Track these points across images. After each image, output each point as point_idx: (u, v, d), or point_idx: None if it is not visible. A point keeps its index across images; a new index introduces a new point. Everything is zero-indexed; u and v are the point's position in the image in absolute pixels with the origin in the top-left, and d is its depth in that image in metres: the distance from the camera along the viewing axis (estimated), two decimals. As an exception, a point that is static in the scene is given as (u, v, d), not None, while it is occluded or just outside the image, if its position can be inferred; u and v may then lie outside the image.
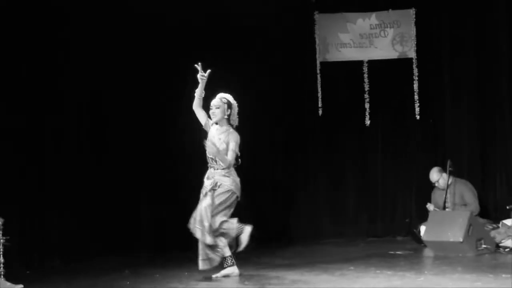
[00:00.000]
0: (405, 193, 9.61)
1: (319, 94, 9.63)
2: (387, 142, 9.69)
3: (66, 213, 7.99)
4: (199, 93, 6.70)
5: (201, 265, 6.64)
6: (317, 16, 9.72)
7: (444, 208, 8.29)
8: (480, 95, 9.27)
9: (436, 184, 8.54)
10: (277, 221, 9.54)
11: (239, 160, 6.77)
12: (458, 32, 9.35)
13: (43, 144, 7.98)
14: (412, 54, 9.50)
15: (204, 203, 6.56)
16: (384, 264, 7.04)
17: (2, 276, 6.51)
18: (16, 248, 6.89)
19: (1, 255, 6.57)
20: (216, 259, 6.61)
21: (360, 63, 9.69)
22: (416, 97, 9.43)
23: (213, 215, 6.54)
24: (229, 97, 6.77)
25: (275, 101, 9.54)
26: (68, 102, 8.23)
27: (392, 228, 9.52)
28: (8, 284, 6.38)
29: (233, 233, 6.63)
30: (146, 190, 8.73)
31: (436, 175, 8.52)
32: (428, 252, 7.88)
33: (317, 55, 9.72)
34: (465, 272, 6.39)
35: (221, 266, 6.64)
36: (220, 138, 6.66)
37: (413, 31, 9.49)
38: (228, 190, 6.62)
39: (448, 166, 8.32)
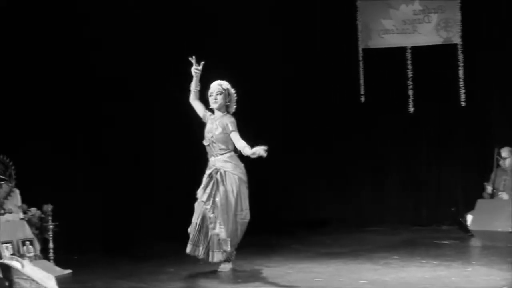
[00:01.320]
0: (450, 181, 9.50)
1: (362, 81, 9.57)
2: (431, 129, 9.59)
3: (112, 199, 8.10)
4: (194, 86, 6.56)
5: (190, 249, 6.42)
6: (359, 2, 9.66)
7: (492, 194, 8.18)
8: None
9: (501, 163, 8.39)
10: (320, 209, 9.53)
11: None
12: (505, 17, 9.15)
13: (93, 132, 8.11)
14: (457, 39, 9.37)
15: (217, 198, 6.37)
16: (430, 254, 7.00)
17: (51, 261, 6.63)
18: (65, 233, 6.98)
19: (51, 241, 6.70)
20: (208, 251, 6.37)
21: (403, 49, 9.59)
22: (461, 83, 9.30)
23: (233, 212, 6.38)
24: (227, 84, 6.60)
25: (317, 88, 9.50)
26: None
27: (437, 217, 9.42)
28: (58, 269, 6.48)
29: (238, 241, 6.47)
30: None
31: (506, 153, 8.37)
32: (475, 242, 7.78)
33: (359, 42, 9.66)
34: (515, 262, 6.31)
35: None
36: (217, 124, 6.49)
37: (458, 16, 9.34)
38: (235, 180, 6.40)
39: (495, 154, 8.21)
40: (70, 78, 8.03)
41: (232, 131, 6.40)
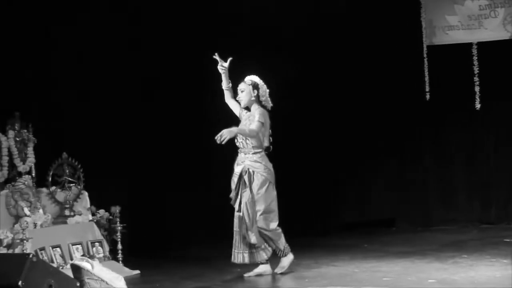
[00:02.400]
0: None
1: (426, 79, 9.43)
2: (499, 126, 9.38)
3: (179, 200, 8.21)
4: (225, 85, 6.49)
5: (234, 257, 6.42)
6: (423, -1, 9.53)
7: None
8: None
9: None
10: (386, 208, 9.45)
11: (271, 147, 6.50)
12: None
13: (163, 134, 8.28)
14: (525, 34, 9.16)
15: (244, 199, 6.32)
16: (499, 252, 6.84)
17: (120, 262, 6.76)
18: (134, 235, 7.11)
19: (120, 242, 6.83)
20: (253, 256, 6.38)
21: (468, 45, 9.40)
22: (530, 79, 9.10)
23: (260, 214, 6.32)
24: (254, 78, 6.49)
25: (382, 86, 9.42)
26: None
27: (507, 215, 9.23)
28: (127, 269, 6.61)
29: (279, 245, 6.41)
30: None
31: None
32: (546, 239, 7.62)
33: (424, 39, 9.51)
34: None
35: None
36: (250, 120, 6.43)
37: (525, 10, 9.14)
38: (264, 181, 6.35)
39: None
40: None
41: (256, 120, 6.32)
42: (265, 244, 6.39)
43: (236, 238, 6.39)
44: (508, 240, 7.77)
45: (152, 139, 8.22)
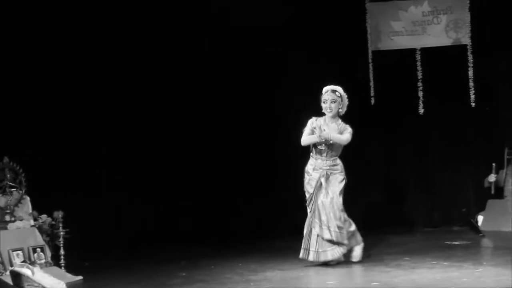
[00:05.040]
0: (461, 182, 9.46)
1: (372, 84, 9.54)
2: (442, 131, 9.55)
3: (123, 204, 8.13)
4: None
5: (302, 254, 6.74)
6: (368, 4, 9.63)
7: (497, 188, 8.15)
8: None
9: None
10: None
11: None
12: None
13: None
14: (466, 40, 9.32)
15: (324, 199, 6.66)
16: (441, 255, 6.97)
17: (63, 268, 6.66)
18: (76, 240, 7.01)
19: (62, 247, 6.72)
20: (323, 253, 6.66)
21: (413, 51, 9.56)
22: (471, 84, 9.26)
23: (337, 211, 6.66)
24: (340, 89, 6.87)
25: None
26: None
27: (449, 218, 9.40)
28: (69, 275, 6.51)
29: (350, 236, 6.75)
30: (206, 183, 8.83)
31: None
32: (486, 242, 7.76)
33: (369, 44, 9.63)
34: (526, 262, 6.27)
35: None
36: (332, 129, 6.77)
37: (467, 17, 9.30)
38: (342, 180, 6.77)
39: (505, 155, 8.18)
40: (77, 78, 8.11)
41: (348, 132, 6.77)
42: (343, 241, 6.65)
43: (310, 237, 6.69)
44: (449, 242, 7.93)
45: (93, 143, 8.09)
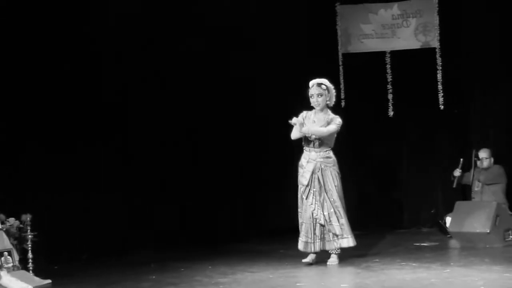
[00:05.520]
0: (430, 184, 9.56)
1: (342, 86, 9.59)
2: (411, 133, 9.66)
3: (93, 207, 8.06)
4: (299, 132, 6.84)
5: (302, 246, 6.86)
6: (338, 7, 9.70)
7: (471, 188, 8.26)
8: (505, 84, 9.14)
9: (478, 163, 8.41)
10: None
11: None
12: (482, 20, 9.23)
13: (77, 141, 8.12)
14: (435, 43, 9.42)
15: (324, 194, 6.76)
16: (410, 256, 7.04)
17: (30, 271, 6.59)
18: (45, 243, 6.94)
19: (30, 251, 6.65)
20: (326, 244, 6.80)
21: (382, 54, 9.65)
22: (440, 87, 9.36)
23: (335, 205, 6.78)
24: (326, 82, 6.89)
25: (297, 94, 9.49)
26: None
27: (418, 220, 9.49)
28: (37, 279, 6.44)
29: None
30: (176, 186, 8.81)
31: (483, 154, 8.42)
32: (454, 244, 7.84)
33: (339, 47, 9.70)
34: (493, 263, 6.35)
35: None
36: (320, 120, 6.82)
37: (436, 20, 9.40)
38: (336, 175, 6.84)
39: (473, 156, 8.27)
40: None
41: (334, 123, 6.80)
42: (338, 233, 6.77)
43: (308, 229, 6.80)
44: (418, 244, 8.00)
45: (61, 144, 8.00)
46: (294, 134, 6.87)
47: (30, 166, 7.60)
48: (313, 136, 6.79)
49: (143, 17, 8.47)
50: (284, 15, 9.28)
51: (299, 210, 6.95)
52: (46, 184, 7.68)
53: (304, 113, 6.95)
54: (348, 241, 6.80)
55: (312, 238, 6.81)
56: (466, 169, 8.50)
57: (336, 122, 6.85)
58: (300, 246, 6.90)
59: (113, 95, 8.33)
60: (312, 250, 6.84)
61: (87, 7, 8.08)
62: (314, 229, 6.81)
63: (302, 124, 6.79)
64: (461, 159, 8.46)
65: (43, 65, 7.77)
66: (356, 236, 6.96)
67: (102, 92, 8.26)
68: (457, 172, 8.42)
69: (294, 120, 6.76)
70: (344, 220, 6.80)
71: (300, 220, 6.92)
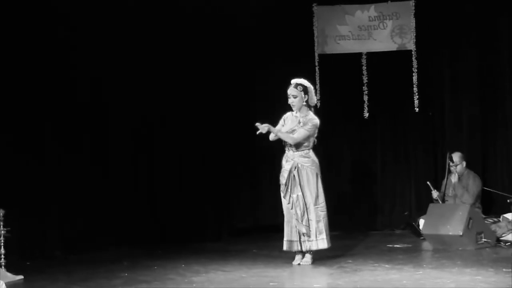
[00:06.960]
0: (404, 186, 9.61)
1: (318, 87, 9.59)
2: (385, 135, 9.69)
3: (66, 204, 8.00)
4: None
5: (286, 246, 6.86)
6: (315, 8, 9.69)
7: (443, 200, 8.32)
8: (481, 87, 9.23)
9: (452, 168, 8.48)
10: (279, 213, 9.52)
11: (315, 140, 6.98)
12: (458, 23, 9.31)
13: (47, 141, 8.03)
14: (411, 46, 9.47)
15: (294, 193, 6.77)
16: (383, 258, 7.09)
17: (3, 267, 6.52)
18: (17, 239, 6.88)
19: (2, 246, 6.58)
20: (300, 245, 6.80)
21: (358, 55, 9.66)
22: (415, 89, 9.40)
23: (312, 205, 6.77)
24: (303, 81, 6.89)
25: (273, 94, 9.51)
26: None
27: (391, 221, 9.53)
28: (9, 275, 6.39)
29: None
30: (149, 182, 8.77)
31: (457, 159, 8.48)
32: (427, 246, 7.90)
33: (316, 48, 9.70)
34: (465, 266, 6.42)
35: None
36: (299, 121, 6.83)
37: (412, 23, 9.45)
38: (313, 175, 6.82)
39: (447, 159, 8.34)
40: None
41: (304, 129, 6.78)
42: (312, 235, 6.77)
43: (288, 228, 6.82)
44: (391, 245, 8.05)
45: (33, 139, 7.93)
46: (270, 136, 6.91)
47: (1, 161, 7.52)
48: (287, 141, 6.84)
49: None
50: (260, 15, 9.28)
51: (283, 208, 6.97)
52: (18, 179, 7.60)
53: (286, 115, 6.99)
54: (317, 244, 6.80)
55: (297, 236, 6.81)
56: (441, 175, 8.57)
57: (308, 126, 6.84)
58: (285, 246, 6.88)
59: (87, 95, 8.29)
60: (297, 249, 6.83)
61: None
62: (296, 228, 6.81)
63: (266, 127, 6.80)
64: (428, 182, 8.54)
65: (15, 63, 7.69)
66: (330, 236, 6.97)
67: (76, 91, 8.21)
68: (434, 195, 8.47)
69: (259, 127, 6.78)
70: (320, 222, 6.81)
71: (284, 219, 6.94)
